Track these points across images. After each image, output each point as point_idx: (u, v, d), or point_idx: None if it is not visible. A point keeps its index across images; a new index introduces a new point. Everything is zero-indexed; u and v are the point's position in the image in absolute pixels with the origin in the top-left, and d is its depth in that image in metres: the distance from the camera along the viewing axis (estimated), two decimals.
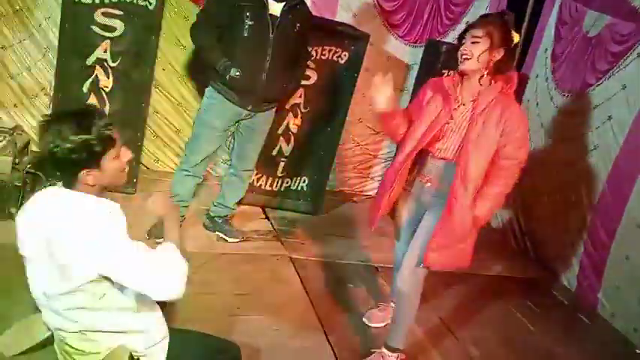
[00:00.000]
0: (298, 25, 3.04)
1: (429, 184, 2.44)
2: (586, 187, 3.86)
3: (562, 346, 3.17)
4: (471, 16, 4.41)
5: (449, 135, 2.32)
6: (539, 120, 4.39)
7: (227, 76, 2.93)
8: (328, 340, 2.67)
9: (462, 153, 2.27)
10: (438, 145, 2.35)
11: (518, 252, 4.45)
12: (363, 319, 2.91)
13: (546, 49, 4.49)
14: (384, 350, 2.53)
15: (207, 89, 3.13)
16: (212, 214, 3.49)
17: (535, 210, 4.35)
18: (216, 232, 3.46)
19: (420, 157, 2.46)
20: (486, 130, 2.23)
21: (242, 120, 3.18)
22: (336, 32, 3.77)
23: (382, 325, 2.86)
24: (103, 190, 1.74)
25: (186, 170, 3.19)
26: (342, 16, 4.18)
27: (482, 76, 2.26)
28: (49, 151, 1.60)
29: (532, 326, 3.31)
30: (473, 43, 2.22)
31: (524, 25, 4.63)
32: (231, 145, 3.55)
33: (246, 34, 2.92)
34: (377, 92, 2.28)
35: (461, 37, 2.30)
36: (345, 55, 3.84)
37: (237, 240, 3.43)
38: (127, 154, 1.73)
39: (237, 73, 2.92)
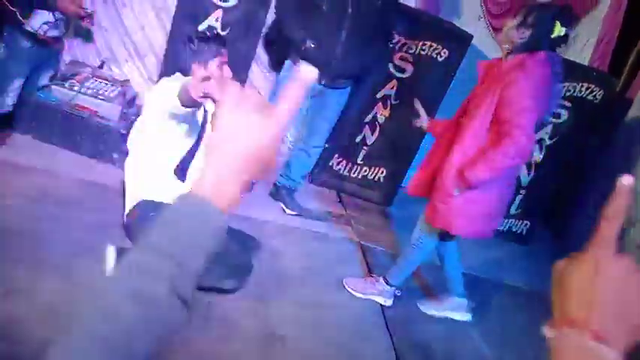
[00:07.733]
0: (379, 2, 3.05)
1: None
2: None
3: None
4: (584, 27, 4.23)
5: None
6: None
7: (302, 48, 3.01)
8: (387, 325, 2.72)
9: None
10: None
11: None
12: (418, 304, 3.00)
13: None
14: (381, 280, 2.89)
15: (285, 62, 3.21)
16: (278, 183, 3.57)
17: None
18: (278, 201, 3.54)
19: None
20: (486, 92, 2.43)
21: (314, 96, 3.23)
22: (438, 29, 3.76)
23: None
24: None
25: None
26: (447, 13, 4.15)
27: (509, 53, 2.47)
28: None
29: None
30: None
31: None
32: (303, 120, 3.59)
33: (324, 8, 2.97)
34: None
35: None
36: (444, 53, 3.81)
37: (295, 213, 3.48)
38: None
39: (312, 45, 2.99)
